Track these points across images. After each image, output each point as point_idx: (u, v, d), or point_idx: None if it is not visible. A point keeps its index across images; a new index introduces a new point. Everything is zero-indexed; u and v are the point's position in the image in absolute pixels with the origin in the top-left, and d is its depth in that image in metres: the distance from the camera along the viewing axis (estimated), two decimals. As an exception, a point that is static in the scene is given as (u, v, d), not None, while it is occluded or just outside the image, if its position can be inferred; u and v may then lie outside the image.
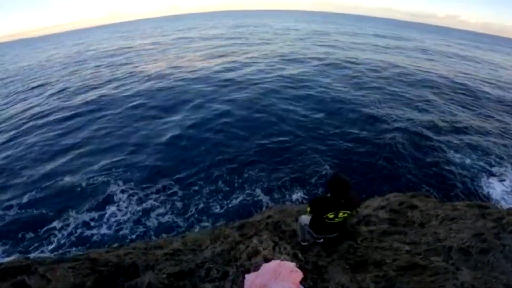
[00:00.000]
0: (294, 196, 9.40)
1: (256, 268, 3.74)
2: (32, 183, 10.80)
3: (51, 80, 27.73)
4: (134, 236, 8.10)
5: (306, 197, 9.29)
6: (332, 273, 3.83)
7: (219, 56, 30.83)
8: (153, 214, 8.87)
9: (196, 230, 7.93)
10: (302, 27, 72.55)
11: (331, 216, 3.91)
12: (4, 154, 13.42)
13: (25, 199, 9.97)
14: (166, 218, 8.73)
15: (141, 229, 8.37)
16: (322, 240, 4.65)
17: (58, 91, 23.00)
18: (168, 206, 9.16)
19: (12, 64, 48.50)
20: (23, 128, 16.49)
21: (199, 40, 46.43)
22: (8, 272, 3.57)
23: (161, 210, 9.00)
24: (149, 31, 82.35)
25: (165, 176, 10.53)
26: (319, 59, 28.98)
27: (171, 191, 9.81)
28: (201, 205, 9.17)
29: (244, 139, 12.84)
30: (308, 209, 4.04)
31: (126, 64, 31.11)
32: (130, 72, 26.59)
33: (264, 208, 8.78)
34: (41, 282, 3.33)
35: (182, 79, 22.39)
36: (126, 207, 9.14)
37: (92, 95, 20.49)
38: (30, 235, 8.38)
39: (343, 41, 45.52)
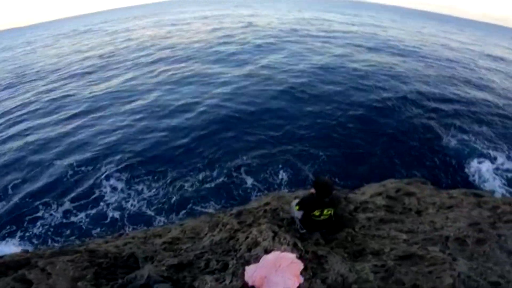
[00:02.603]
0: (282, 180, 9.68)
1: (256, 259, 3.86)
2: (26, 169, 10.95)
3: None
4: (129, 223, 8.29)
5: (292, 182, 9.54)
6: (331, 263, 4.02)
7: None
8: (147, 200, 9.03)
9: (176, 216, 8.27)
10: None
11: (317, 214, 4.49)
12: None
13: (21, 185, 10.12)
14: (158, 203, 8.88)
15: (138, 216, 8.54)
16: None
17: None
18: (162, 191, 9.31)
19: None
20: None
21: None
22: (8, 266, 3.66)
23: (154, 195, 9.15)
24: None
25: (156, 161, 10.66)
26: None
27: (163, 175, 9.94)
28: (193, 189, 9.36)
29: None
30: (297, 207, 4.66)
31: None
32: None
33: (255, 193, 9.10)
34: (42, 276, 3.43)
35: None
36: (119, 193, 9.29)
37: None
38: (24, 225, 8.52)
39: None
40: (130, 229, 7.80)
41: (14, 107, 17.40)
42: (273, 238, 4.46)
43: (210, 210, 8.36)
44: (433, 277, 3.33)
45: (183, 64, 21.54)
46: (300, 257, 3.93)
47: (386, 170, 9.78)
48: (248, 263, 3.92)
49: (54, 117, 15.04)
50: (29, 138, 13.01)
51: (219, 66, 20.66)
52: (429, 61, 24.31)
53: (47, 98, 18.00)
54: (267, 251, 4.06)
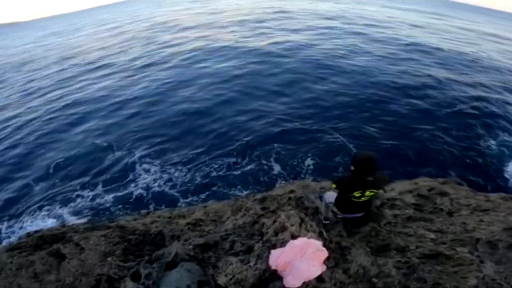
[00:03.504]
0: (308, 168, 9.81)
1: (283, 244, 4.01)
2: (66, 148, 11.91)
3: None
4: (155, 202, 8.81)
5: (319, 171, 9.66)
6: (354, 255, 4.13)
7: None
8: (175, 181, 9.56)
9: (199, 197, 8.64)
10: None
11: (357, 195, 4.11)
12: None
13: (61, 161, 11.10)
14: (185, 185, 9.37)
15: (164, 196, 9.07)
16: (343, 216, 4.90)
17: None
18: (188, 174, 9.79)
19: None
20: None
21: None
22: (45, 240, 4.06)
23: (182, 178, 9.66)
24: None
25: (185, 145, 11.20)
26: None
27: (191, 159, 10.45)
28: (217, 173, 9.80)
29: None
30: (334, 185, 4.19)
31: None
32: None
33: (280, 180, 9.30)
34: (75, 250, 3.79)
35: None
36: (149, 175, 9.91)
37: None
38: (61, 200, 9.30)
39: None
40: (159, 207, 8.29)
41: (63, 93, 18.68)
42: (300, 224, 4.57)
43: (236, 192, 8.70)
44: (457, 277, 3.38)
45: (219, 52, 22.02)
46: (324, 246, 4.06)
47: (418, 167, 9.61)
48: (274, 246, 4.04)
49: (99, 105, 15.94)
50: (77, 125, 13.98)
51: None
52: (479, 51, 23.17)
53: (94, 85, 19.06)
54: (294, 237, 4.16)
